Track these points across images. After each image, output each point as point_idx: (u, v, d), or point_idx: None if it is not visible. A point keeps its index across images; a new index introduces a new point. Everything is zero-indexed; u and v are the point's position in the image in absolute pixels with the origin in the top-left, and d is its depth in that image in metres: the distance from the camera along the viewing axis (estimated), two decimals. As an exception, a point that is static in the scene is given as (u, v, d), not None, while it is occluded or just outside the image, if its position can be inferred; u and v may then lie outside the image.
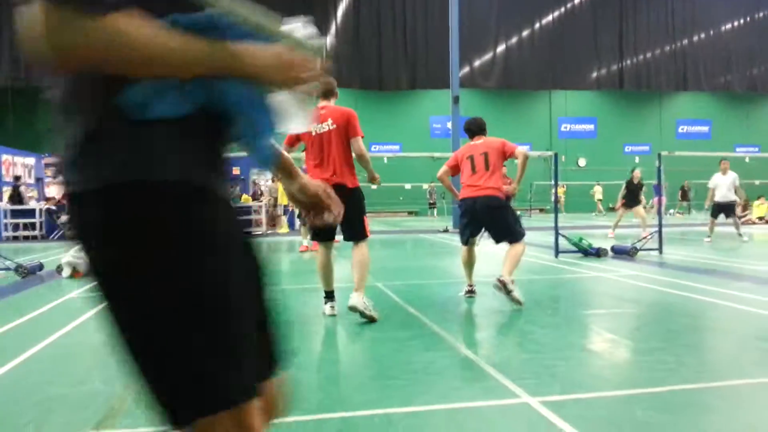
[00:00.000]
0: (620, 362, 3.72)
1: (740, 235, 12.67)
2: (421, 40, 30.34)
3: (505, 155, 5.76)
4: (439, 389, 3.15)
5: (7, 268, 8.20)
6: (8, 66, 21.93)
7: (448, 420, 2.74)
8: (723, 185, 12.60)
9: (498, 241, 5.75)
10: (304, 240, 11.07)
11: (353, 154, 4.97)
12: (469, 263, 5.98)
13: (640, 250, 9.65)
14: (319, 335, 4.48)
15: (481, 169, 5.67)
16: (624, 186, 13.67)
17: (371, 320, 4.74)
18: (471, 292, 6.02)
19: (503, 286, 5.20)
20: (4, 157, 20.31)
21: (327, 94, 5.08)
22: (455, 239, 14.27)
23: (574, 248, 9.76)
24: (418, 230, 17.84)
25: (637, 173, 13.41)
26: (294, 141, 5.02)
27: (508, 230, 5.62)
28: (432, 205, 29.64)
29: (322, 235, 4.92)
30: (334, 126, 4.87)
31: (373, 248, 12.81)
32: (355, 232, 4.93)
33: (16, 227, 16.34)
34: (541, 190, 29.67)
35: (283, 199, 18.12)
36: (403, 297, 6.00)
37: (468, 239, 5.89)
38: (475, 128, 5.97)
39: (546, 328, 4.61)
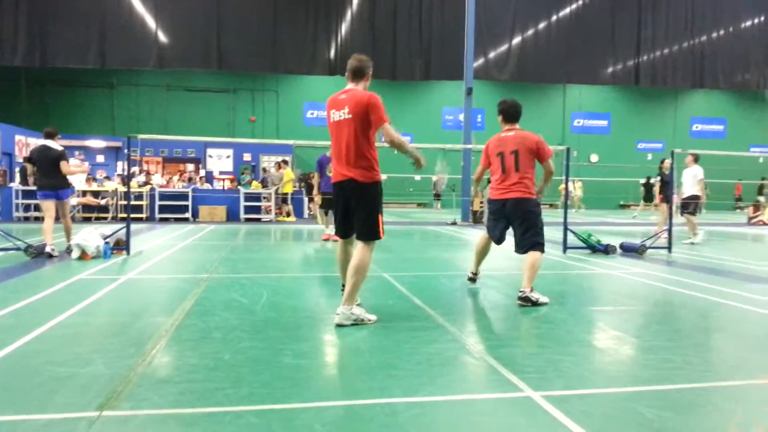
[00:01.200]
0: (625, 359, 3.69)
1: (694, 235, 11.83)
2: (436, 31, 30.15)
3: (538, 158, 5.55)
4: (443, 381, 3.15)
5: (18, 248, 8.26)
6: (23, 49, 21.99)
7: (451, 411, 2.73)
8: (686, 180, 11.98)
9: (519, 250, 5.53)
10: (327, 228, 11.15)
11: (376, 145, 4.52)
12: (483, 253, 5.98)
13: (650, 248, 9.58)
14: (325, 323, 4.48)
15: (510, 170, 5.49)
16: (659, 179, 13.01)
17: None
18: (473, 280, 6.07)
19: (528, 302, 5.17)
20: (18, 137, 20.47)
21: (355, 73, 4.61)
22: (464, 232, 14.25)
23: (582, 244, 9.70)
24: (426, 222, 17.81)
25: (667, 163, 12.56)
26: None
27: (534, 238, 5.43)
28: (437, 197, 29.56)
29: (340, 231, 4.68)
30: (349, 115, 4.41)
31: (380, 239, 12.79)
32: (363, 229, 4.45)
33: (27, 208, 16.46)
34: (551, 185, 29.50)
35: (286, 188, 18.12)
36: (410, 288, 5.99)
37: (498, 238, 5.75)
38: (509, 113, 5.70)
39: (551, 323, 4.59)
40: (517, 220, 5.49)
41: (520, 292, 5.24)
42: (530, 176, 5.52)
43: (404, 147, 4.59)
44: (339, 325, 4.31)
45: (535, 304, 5.16)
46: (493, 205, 5.68)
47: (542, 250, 5.44)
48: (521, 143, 5.50)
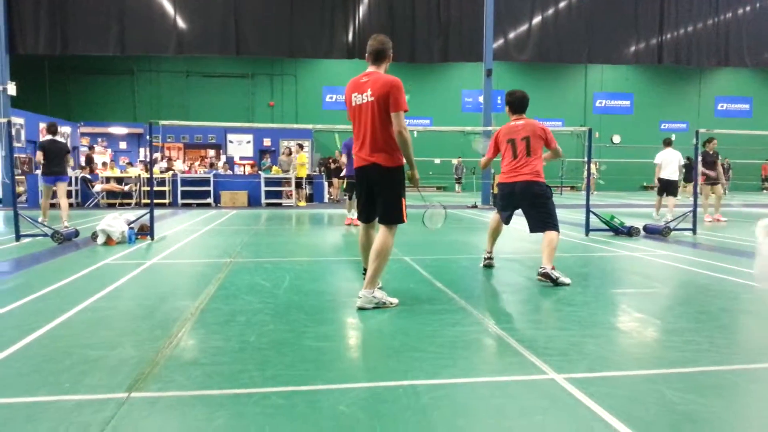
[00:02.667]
0: (649, 341, 3.67)
1: (670, 220, 10.44)
2: (454, 12, 29.79)
3: (546, 143, 5.70)
4: (465, 363, 3.16)
5: (45, 234, 8.42)
6: (45, 37, 22.21)
7: (473, 393, 2.74)
8: (672, 162, 12.08)
9: (534, 229, 5.67)
10: (349, 213, 11.25)
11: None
12: (495, 233, 6.13)
13: (674, 230, 9.46)
14: (348, 306, 4.51)
15: (522, 155, 5.62)
16: (701, 159, 11.95)
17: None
18: (489, 260, 6.17)
19: (547, 278, 5.23)
20: (42, 125, 20.75)
21: (377, 56, 4.52)
22: (484, 215, 14.19)
23: (605, 227, 9.61)
24: (447, 205, 17.75)
25: (713, 144, 12.31)
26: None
27: (547, 218, 5.53)
28: (458, 180, 29.41)
29: (363, 215, 4.69)
30: (372, 98, 4.33)
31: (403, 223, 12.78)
32: (387, 213, 4.44)
33: (53, 195, 16.71)
34: (573, 167, 29.17)
35: (300, 172, 18.14)
36: (431, 272, 6.00)
37: (507, 219, 5.95)
38: (517, 104, 5.82)
39: (574, 305, 4.57)
40: (528, 202, 5.61)
41: (541, 268, 5.29)
42: (540, 161, 5.65)
43: (408, 150, 4.40)
44: (361, 309, 4.34)
45: (556, 282, 5.19)
46: (504, 188, 5.79)
47: (557, 230, 5.53)
48: (531, 130, 5.65)
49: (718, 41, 33.32)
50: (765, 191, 30.63)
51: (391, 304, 4.46)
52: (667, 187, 12.37)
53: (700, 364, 3.15)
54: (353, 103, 4.53)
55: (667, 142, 12.45)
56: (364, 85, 4.43)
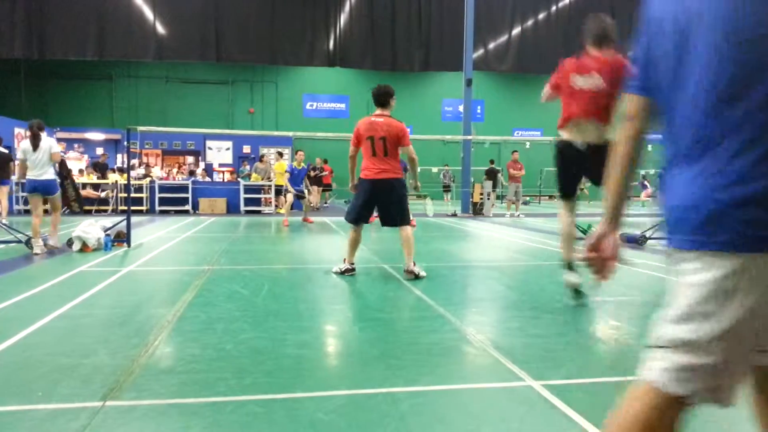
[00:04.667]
0: (625, 349, 3.71)
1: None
2: (435, 22, 30.02)
3: (401, 144, 6.05)
4: (443, 370, 3.17)
5: (19, 241, 8.27)
6: (22, 42, 21.92)
7: (452, 400, 2.75)
8: None
9: (387, 223, 6.14)
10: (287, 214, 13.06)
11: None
12: (356, 243, 6.27)
13: (650, 238, 9.59)
14: (325, 314, 4.50)
15: (380, 154, 6.01)
16: None
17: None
18: (350, 271, 6.26)
19: (414, 275, 5.93)
20: (17, 130, 20.42)
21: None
22: (463, 223, 14.26)
23: (583, 236, 9.70)
24: (426, 213, 17.80)
25: None
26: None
27: (403, 215, 6.03)
28: (446, 188, 29.32)
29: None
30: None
31: (380, 230, 12.84)
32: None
33: (27, 201, 16.45)
34: (551, 176, 29.42)
35: (279, 180, 18.08)
36: (410, 279, 6.00)
37: (359, 221, 6.21)
38: (376, 99, 6.15)
39: (551, 313, 4.61)
40: (386, 199, 6.04)
41: (406, 268, 5.97)
42: (397, 160, 6.12)
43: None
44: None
45: (417, 276, 5.91)
46: (364, 184, 6.11)
47: (411, 224, 6.23)
48: (389, 131, 6.00)
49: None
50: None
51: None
52: None
53: (675, 370, 3.19)
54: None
55: None
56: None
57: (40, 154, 7.91)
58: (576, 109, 4.62)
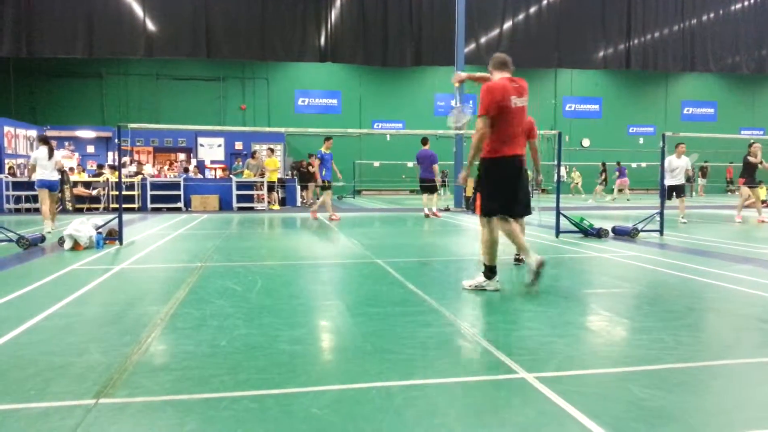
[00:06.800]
0: (617, 340, 3.73)
1: (683, 217, 13.00)
2: (426, 16, 29.97)
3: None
4: (437, 364, 3.17)
5: (10, 240, 8.23)
6: (10, 39, 21.73)
7: (446, 394, 2.76)
8: (682, 168, 12.87)
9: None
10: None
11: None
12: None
13: (641, 231, 9.64)
14: (319, 309, 4.50)
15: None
16: (743, 163, 13.42)
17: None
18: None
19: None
20: (6, 129, 20.28)
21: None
22: (456, 218, 14.28)
23: (575, 228, 9.75)
24: (420, 208, 17.82)
25: (755, 147, 12.89)
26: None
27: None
28: (444, 184, 29.15)
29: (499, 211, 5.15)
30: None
31: (373, 226, 12.87)
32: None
33: (18, 199, 16.37)
34: (543, 170, 29.41)
35: (271, 176, 18.07)
36: (403, 274, 6.01)
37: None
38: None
39: (544, 305, 4.62)
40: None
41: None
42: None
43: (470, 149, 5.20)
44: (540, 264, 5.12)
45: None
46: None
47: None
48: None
49: (683, 47, 34.13)
50: (729, 193, 31.39)
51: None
52: (677, 190, 12.99)
53: (667, 361, 3.21)
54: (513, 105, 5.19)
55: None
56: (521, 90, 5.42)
57: (53, 162, 10.36)
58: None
